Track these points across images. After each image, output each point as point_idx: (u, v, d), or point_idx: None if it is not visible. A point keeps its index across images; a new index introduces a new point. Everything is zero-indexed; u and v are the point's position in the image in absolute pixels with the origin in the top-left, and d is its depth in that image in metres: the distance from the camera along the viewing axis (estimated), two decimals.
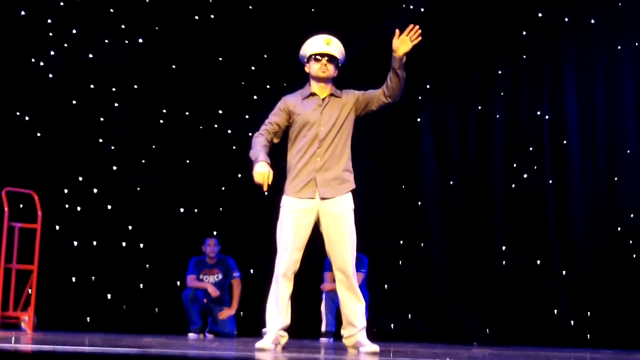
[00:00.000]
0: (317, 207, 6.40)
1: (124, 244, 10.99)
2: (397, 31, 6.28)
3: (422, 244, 11.29)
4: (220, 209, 11.33)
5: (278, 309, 6.35)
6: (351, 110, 6.51)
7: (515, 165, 11.22)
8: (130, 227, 11.02)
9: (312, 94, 6.53)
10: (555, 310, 10.87)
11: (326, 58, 6.48)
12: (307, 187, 6.41)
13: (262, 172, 6.22)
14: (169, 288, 10.77)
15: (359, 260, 9.24)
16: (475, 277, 11.06)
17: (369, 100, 6.52)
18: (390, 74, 6.41)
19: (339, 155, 6.46)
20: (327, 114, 6.45)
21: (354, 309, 6.44)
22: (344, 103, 6.50)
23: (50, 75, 10.83)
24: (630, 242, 10.88)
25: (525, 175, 11.18)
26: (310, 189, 6.40)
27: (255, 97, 11.41)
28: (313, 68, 6.52)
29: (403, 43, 6.31)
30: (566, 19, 11.25)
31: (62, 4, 10.92)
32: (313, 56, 6.50)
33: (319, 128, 6.42)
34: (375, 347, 6.38)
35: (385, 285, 11.11)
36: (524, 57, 11.30)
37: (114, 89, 11.06)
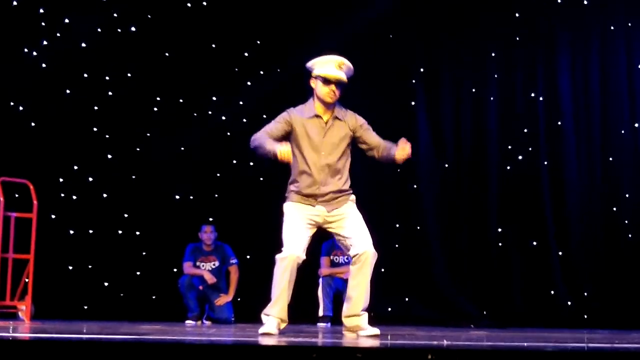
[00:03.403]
0: (321, 214, 6.55)
1: (120, 232, 10.98)
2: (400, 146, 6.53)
3: (418, 227, 11.29)
4: (216, 195, 11.32)
5: (285, 295, 6.42)
6: (351, 135, 6.61)
7: (510, 147, 11.21)
8: (126, 215, 11.02)
9: (317, 116, 6.54)
10: (552, 291, 10.89)
11: (335, 83, 6.46)
12: (309, 199, 6.54)
13: (285, 149, 6.28)
14: (166, 275, 10.76)
15: None
16: (472, 260, 11.07)
17: (365, 142, 6.67)
18: (388, 156, 6.65)
19: (339, 175, 6.58)
20: (329, 139, 6.53)
21: (361, 289, 6.46)
22: (345, 127, 6.58)
23: (44, 65, 10.80)
24: (626, 221, 10.89)
25: (520, 157, 11.17)
26: (312, 202, 6.54)
27: (248, 83, 11.40)
28: (320, 90, 6.49)
29: (403, 154, 6.54)
30: (559, 0, 11.23)
31: None
32: (322, 78, 6.46)
33: (321, 153, 6.52)
34: (376, 330, 6.41)
35: (382, 269, 11.11)
36: (517, 39, 11.28)
37: (107, 78, 11.04)
